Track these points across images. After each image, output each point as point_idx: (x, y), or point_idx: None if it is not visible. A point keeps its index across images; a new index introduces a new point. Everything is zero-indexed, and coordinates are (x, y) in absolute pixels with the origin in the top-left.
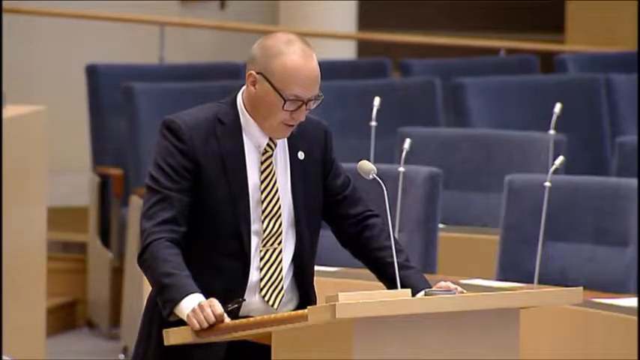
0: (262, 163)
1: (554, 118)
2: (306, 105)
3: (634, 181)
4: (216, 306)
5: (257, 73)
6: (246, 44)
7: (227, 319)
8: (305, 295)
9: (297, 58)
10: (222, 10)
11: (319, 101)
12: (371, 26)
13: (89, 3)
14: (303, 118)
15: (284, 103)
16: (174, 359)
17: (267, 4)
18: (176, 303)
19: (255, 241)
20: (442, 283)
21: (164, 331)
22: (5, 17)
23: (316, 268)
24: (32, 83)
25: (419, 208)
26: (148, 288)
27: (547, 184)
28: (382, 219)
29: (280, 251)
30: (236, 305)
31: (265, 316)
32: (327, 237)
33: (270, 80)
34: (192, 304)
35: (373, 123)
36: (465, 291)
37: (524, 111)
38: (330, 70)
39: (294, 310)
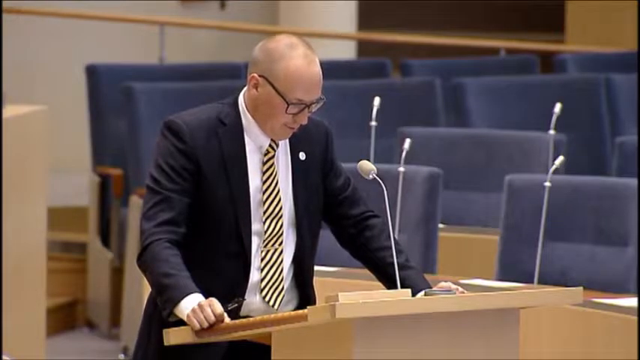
0: (264, 164)
1: (554, 118)
2: (309, 108)
3: (634, 181)
4: (216, 306)
5: (260, 76)
6: (246, 44)
7: (227, 319)
8: (305, 296)
9: (300, 62)
10: (222, 10)
11: (321, 104)
12: (371, 26)
13: (89, 3)
14: (305, 121)
15: (287, 107)
16: (174, 359)
17: (267, 4)
18: (176, 303)
19: (255, 241)
20: (442, 283)
21: (164, 331)
22: (5, 17)
23: (316, 268)
24: (32, 83)
25: (419, 208)
26: (147, 288)
27: (547, 184)
28: (382, 219)
29: (281, 252)
30: (236, 305)
31: (265, 316)
32: (327, 237)
33: (273, 84)
34: (192, 304)
35: (373, 123)
36: (465, 291)
37: (524, 111)
38: (330, 70)
39: (294, 310)
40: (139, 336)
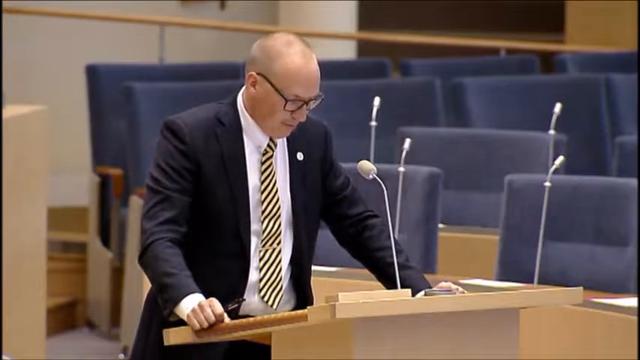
0: (262, 163)
1: (554, 118)
2: (307, 105)
3: (634, 181)
4: (216, 306)
5: (257, 74)
6: (246, 44)
7: (227, 319)
8: (303, 296)
9: (297, 59)
10: (222, 10)
11: (319, 101)
12: (371, 26)
13: (89, 3)
14: (303, 118)
15: (285, 104)
16: (173, 359)
17: (267, 4)
18: (176, 303)
19: (254, 241)
20: (442, 284)
21: (164, 331)
22: (5, 17)
23: (316, 268)
24: (32, 83)
25: (419, 208)
26: (147, 288)
27: (547, 184)
28: (382, 219)
29: (279, 251)
30: (236, 305)
31: (265, 316)
32: (326, 237)
33: (271, 81)
34: (193, 304)
35: (373, 123)
36: (465, 291)
37: (524, 111)
38: (330, 70)
39: (292, 310)
40: (137, 333)
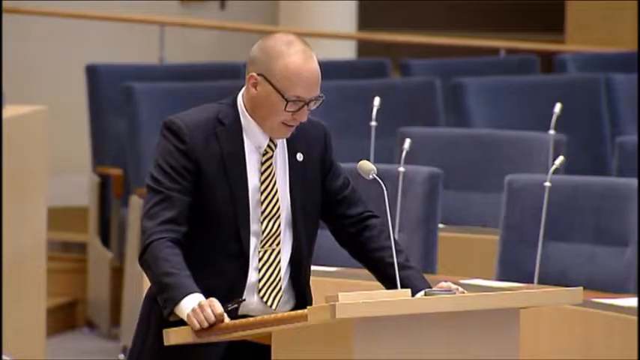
0: (262, 164)
1: (554, 118)
2: (308, 105)
3: (634, 181)
4: (216, 306)
5: (258, 74)
6: (246, 44)
7: (227, 319)
8: (302, 296)
9: (298, 59)
10: (222, 10)
11: (320, 101)
12: (371, 26)
13: (89, 3)
14: (304, 119)
15: (286, 104)
16: (172, 358)
17: (267, 4)
18: (176, 302)
19: (253, 241)
20: (442, 284)
21: (164, 331)
22: (5, 17)
23: (316, 268)
24: (32, 83)
25: (419, 208)
26: (147, 287)
27: (547, 184)
28: (381, 220)
29: (279, 252)
30: (236, 305)
31: (265, 316)
32: (327, 237)
33: (271, 81)
34: (193, 304)
35: (373, 123)
36: (465, 291)
37: (524, 111)
38: (330, 70)
39: (291, 310)
40: (135, 333)
